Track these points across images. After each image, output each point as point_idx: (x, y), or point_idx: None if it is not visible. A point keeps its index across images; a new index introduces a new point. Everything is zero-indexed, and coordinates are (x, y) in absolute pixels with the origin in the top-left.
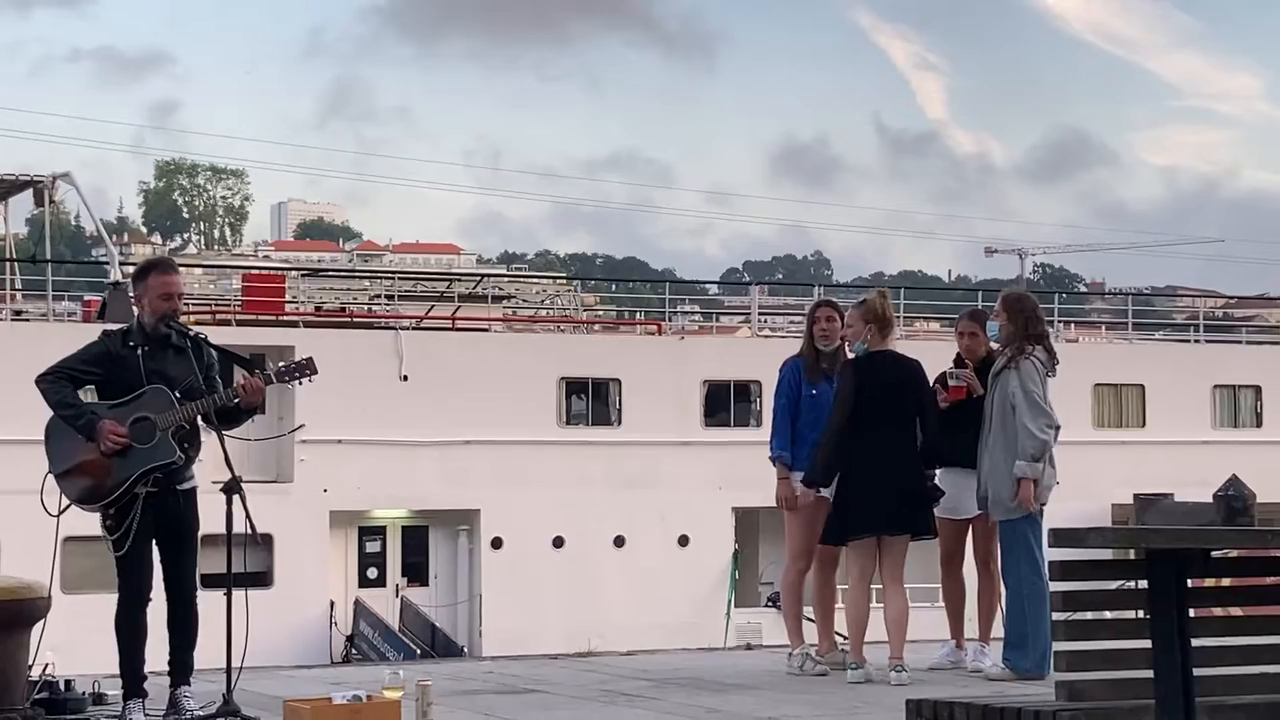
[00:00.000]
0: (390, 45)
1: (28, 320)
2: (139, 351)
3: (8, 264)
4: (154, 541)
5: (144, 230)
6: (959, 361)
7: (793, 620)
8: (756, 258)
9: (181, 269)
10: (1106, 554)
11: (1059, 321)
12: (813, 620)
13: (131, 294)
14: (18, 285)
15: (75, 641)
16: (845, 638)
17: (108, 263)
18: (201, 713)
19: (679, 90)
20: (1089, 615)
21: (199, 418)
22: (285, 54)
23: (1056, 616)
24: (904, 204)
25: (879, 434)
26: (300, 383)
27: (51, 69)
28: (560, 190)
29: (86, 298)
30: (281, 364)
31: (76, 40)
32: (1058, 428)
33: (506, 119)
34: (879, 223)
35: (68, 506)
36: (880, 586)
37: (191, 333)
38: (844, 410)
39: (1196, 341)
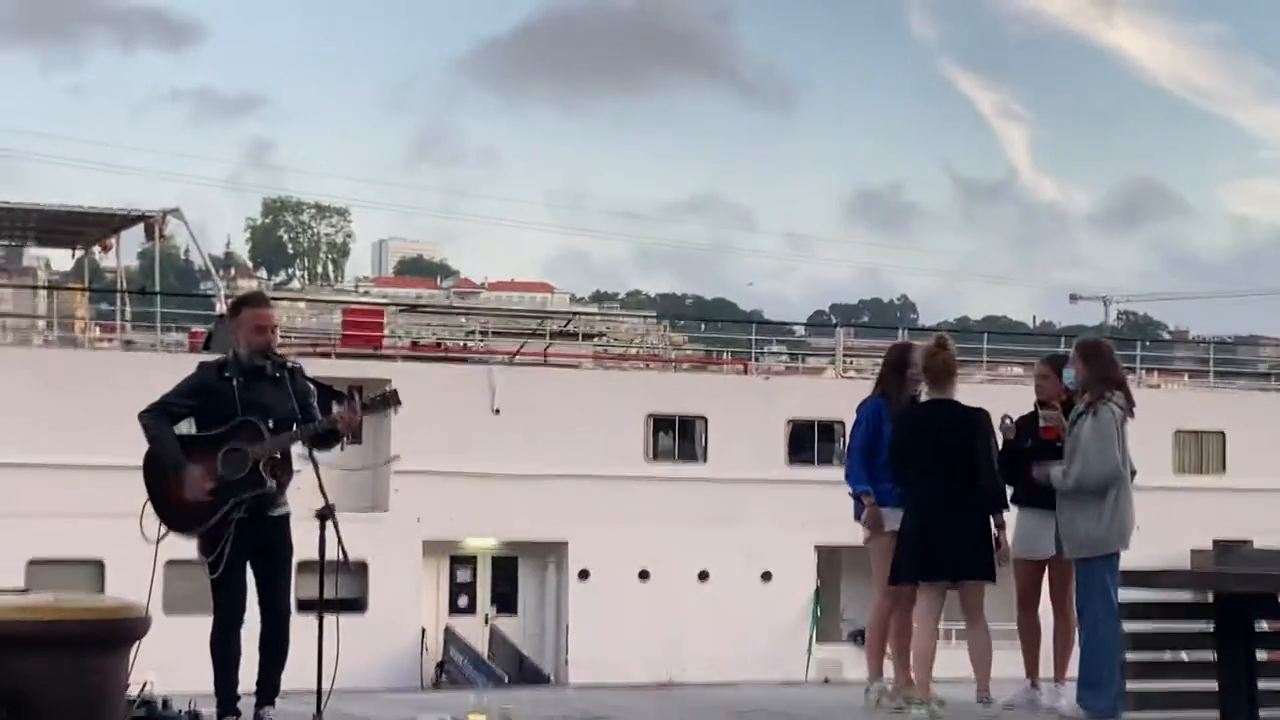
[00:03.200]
0: (475, 94)
1: (136, 350)
2: (234, 382)
3: (119, 295)
4: (249, 565)
5: (250, 265)
6: (1042, 404)
7: (874, 655)
8: (837, 300)
9: (286, 303)
10: (1184, 596)
11: (1141, 368)
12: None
13: (229, 328)
14: (128, 316)
15: (177, 661)
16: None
17: (214, 295)
18: None
19: (756, 136)
20: (1166, 655)
21: (295, 445)
22: (375, 101)
23: (1128, 656)
24: (977, 250)
25: (925, 483)
26: (386, 414)
27: (153, 108)
28: (641, 231)
29: (193, 329)
30: (369, 396)
31: (176, 81)
32: (1133, 474)
33: (588, 163)
34: (951, 268)
35: (166, 534)
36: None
37: (288, 364)
38: (894, 458)
39: (1278, 390)
